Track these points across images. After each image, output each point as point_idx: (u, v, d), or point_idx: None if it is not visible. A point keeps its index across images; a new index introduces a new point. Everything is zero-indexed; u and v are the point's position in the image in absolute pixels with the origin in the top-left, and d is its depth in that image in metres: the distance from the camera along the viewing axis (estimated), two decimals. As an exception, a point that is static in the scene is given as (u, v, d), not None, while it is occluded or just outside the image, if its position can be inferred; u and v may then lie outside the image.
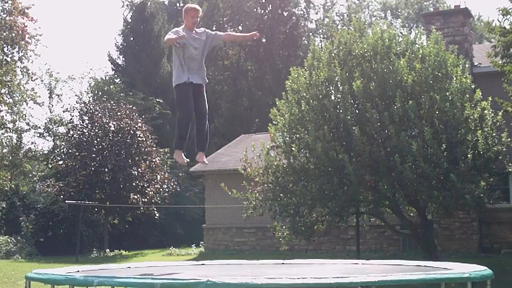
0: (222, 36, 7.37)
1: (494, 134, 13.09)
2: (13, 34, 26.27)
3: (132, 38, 35.76)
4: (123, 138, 23.26)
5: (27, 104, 30.70)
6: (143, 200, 23.39)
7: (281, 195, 13.49)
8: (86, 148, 23.12)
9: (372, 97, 12.82)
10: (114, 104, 24.55)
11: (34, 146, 32.86)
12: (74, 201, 21.58)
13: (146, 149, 23.70)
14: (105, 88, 32.70)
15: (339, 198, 12.65)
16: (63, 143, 26.10)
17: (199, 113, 6.97)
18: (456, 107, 12.72)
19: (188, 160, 7.20)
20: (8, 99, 28.53)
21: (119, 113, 23.86)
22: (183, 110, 6.87)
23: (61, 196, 22.87)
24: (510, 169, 14.98)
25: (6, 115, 29.04)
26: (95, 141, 23.17)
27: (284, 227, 14.12)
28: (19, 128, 31.21)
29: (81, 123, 24.48)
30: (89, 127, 23.96)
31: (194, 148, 7.19)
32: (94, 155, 22.92)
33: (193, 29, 6.98)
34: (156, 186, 23.80)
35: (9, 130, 30.41)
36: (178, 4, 45.74)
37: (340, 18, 47.42)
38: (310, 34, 43.84)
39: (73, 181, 23.08)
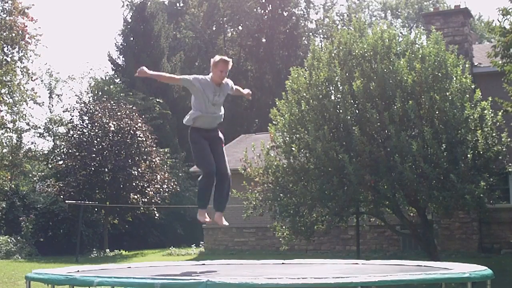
0: (234, 90, 6.74)
1: (494, 134, 13.09)
2: (13, 34, 26.27)
3: (132, 38, 35.77)
4: (123, 138, 23.26)
5: (27, 104, 30.74)
6: (143, 200, 23.39)
7: (281, 195, 13.49)
8: (86, 148, 23.12)
9: (372, 97, 12.82)
10: (114, 104, 24.55)
11: (34, 146, 32.91)
12: (74, 201, 21.57)
13: (146, 149, 23.71)
14: (105, 88, 32.71)
15: (339, 198, 12.65)
16: (63, 143, 26.10)
17: (221, 173, 6.42)
18: (456, 107, 12.72)
19: (210, 220, 6.64)
20: (8, 99, 28.53)
21: (119, 113, 23.86)
22: (203, 165, 6.36)
23: (61, 196, 22.87)
24: (510, 169, 14.99)
25: (6, 115, 29.06)
26: (95, 141, 23.17)
27: (284, 227, 14.12)
28: (19, 128, 31.23)
29: (81, 123, 24.48)
30: (89, 127, 23.97)
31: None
32: (94, 155, 22.92)
33: (219, 84, 6.29)
34: (156, 186, 23.80)
35: (9, 130, 30.43)
36: (178, 4, 45.80)
37: (340, 18, 47.45)
38: (310, 34, 43.87)
39: (73, 181, 23.08)
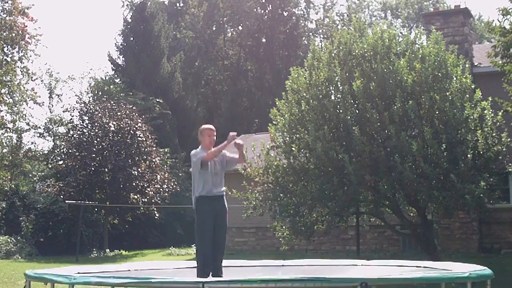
0: (235, 160, 7.48)
1: (494, 134, 13.08)
2: (13, 34, 26.27)
3: (132, 38, 35.76)
4: (123, 138, 23.25)
5: (27, 104, 30.74)
6: (143, 200, 23.39)
7: (281, 195, 13.49)
8: (86, 148, 23.12)
9: (372, 97, 12.81)
10: (114, 104, 24.55)
11: (34, 146, 32.91)
12: (74, 201, 21.57)
13: (146, 149, 23.70)
14: (105, 88, 32.70)
15: (339, 198, 12.65)
16: (63, 143, 26.09)
17: (218, 248, 7.06)
18: (456, 107, 12.71)
19: None
20: (8, 99, 28.54)
21: (119, 113, 23.85)
22: (201, 243, 7.02)
23: (61, 196, 22.87)
24: (510, 169, 14.98)
25: (6, 115, 29.07)
26: (95, 141, 23.17)
27: (284, 227, 14.11)
28: (19, 128, 31.23)
29: (81, 123, 24.48)
30: (89, 127, 23.96)
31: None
32: (94, 155, 22.92)
33: (210, 148, 7.26)
34: (156, 186, 23.80)
35: (9, 130, 30.42)
36: (178, 4, 45.78)
37: (340, 18, 47.44)
38: (310, 34, 43.86)
39: (73, 181, 23.07)
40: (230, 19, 43.00)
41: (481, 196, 12.31)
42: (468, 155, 12.31)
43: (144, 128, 24.05)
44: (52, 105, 35.77)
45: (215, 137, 7.30)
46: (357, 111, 13.12)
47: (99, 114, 23.75)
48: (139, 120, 24.23)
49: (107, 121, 23.42)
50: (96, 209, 23.94)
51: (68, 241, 23.51)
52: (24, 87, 29.24)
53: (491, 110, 13.21)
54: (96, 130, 23.42)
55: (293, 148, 13.28)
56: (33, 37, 27.35)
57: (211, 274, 6.92)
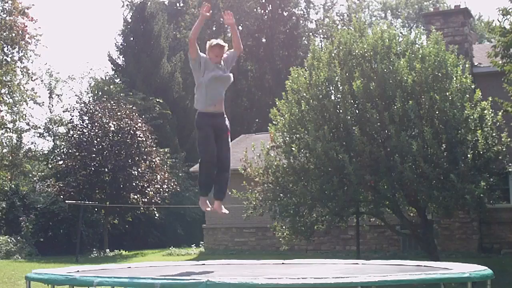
0: (235, 52, 6.58)
1: (494, 134, 13.10)
2: (13, 34, 26.29)
3: (132, 38, 35.76)
4: (123, 138, 23.25)
5: (27, 104, 30.77)
6: (143, 200, 23.39)
7: (281, 195, 13.49)
8: (86, 148, 23.11)
9: (372, 97, 12.82)
10: (114, 104, 24.54)
11: (34, 146, 32.95)
12: (74, 201, 21.57)
13: (146, 149, 23.70)
14: (105, 88, 32.70)
15: (339, 198, 12.65)
16: (63, 143, 26.10)
17: (221, 163, 6.44)
18: (456, 107, 12.72)
19: (212, 208, 6.66)
20: (8, 99, 28.56)
21: (119, 113, 23.85)
22: (204, 152, 6.35)
23: (61, 196, 22.86)
24: (510, 169, 15.00)
25: (6, 115, 29.08)
26: (95, 141, 23.17)
27: (284, 227, 14.12)
28: (19, 128, 31.24)
29: (81, 123, 24.46)
30: (89, 127, 23.95)
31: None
32: (94, 155, 22.92)
33: (214, 60, 6.33)
34: (156, 186, 23.79)
35: (9, 130, 30.44)
36: (178, 4, 45.78)
37: (340, 18, 47.40)
38: (310, 34, 43.83)
39: (73, 181, 23.08)
40: (230, 19, 42.97)
41: (481, 196, 12.33)
42: (468, 155, 12.32)
43: (144, 128, 24.04)
44: (52, 105, 35.85)
45: (222, 57, 6.30)
46: (357, 111, 13.12)
47: (99, 114, 23.74)
48: (139, 120, 24.23)
49: (107, 121, 23.42)
50: (96, 209, 23.93)
51: (68, 241, 23.51)
52: (24, 87, 29.28)
53: (491, 110, 13.21)
54: (96, 130, 23.41)
55: (293, 148, 13.28)
56: (33, 37, 27.38)
57: (213, 194, 6.53)
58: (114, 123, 23.32)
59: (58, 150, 27.81)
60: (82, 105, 25.36)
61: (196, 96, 6.52)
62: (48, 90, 35.78)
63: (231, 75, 6.52)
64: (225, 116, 6.59)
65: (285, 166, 13.48)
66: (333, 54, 13.89)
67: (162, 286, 4.83)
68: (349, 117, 12.88)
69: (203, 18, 6.32)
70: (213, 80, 6.30)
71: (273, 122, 14.05)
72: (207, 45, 6.37)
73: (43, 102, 33.02)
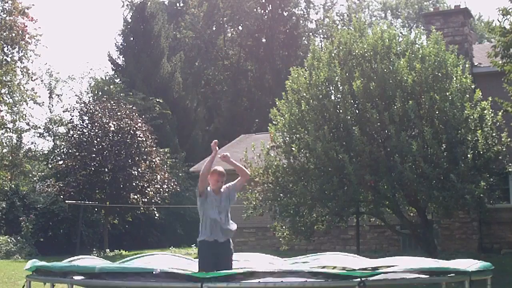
0: (238, 184, 6.81)
1: (494, 134, 13.09)
2: (13, 34, 26.29)
3: (132, 38, 35.77)
4: (123, 138, 23.24)
5: (27, 104, 30.79)
6: (143, 200, 23.38)
7: (281, 195, 13.49)
8: (86, 148, 23.10)
9: (372, 97, 12.81)
10: (114, 104, 24.53)
11: (34, 146, 32.94)
12: (74, 201, 21.56)
13: (146, 149, 23.69)
14: (105, 88, 32.70)
15: (339, 198, 12.65)
16: (63, 143, 26.08)
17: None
18: (456, 107, 12.71)
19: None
20: (8, 99, 28.56)
21: (119, 113, 23.84)
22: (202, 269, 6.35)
23: (61, 196, 22.86)
24: (510, 169, 14.97)
25: (6, 115, 29.08)
26: (95, 141, 23.15)
27: (284, 227, 14.11)
28: (19, 128, 31.23)
29: (81, 123, 24.45)
30: (89, 127, 23.94)
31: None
32: (94, 155, 22.90)
33: (217, 192, 6.63)
34: (156, 186, 23.79)
35: (9, 130, 30.44)
36: (178, 4, 45.79)
37: (340, 18, 47.42)
38: (310, 34, 43.85)
39: (73, 181, 23.06)
40: (230, 19, 43.00)
41: (481, 196, 12.32)
42: (468, 155, 12.31)
43: (144, 128, 24.03)
44: (52, 105, 35.87)
45: (223, 182, 6.66)
46: (357, 111, 13.12)
47: (99, 114, 23.73)
48: (139, 120, 24.23)
49: (107, 121, 23.41)
50: (96, 209, 23.92)
51: (68, 241, 23.51)
52: (24, 87, 29.28)
53: (491, 110, 13.21)
54: (96, 130, 23.40)
55: (293, 148, 13.28)
56: (33, 37, 27.38)
57: None
58: (114, 123, 23.30)
59: (58, 150, 27.79)
60: (82, 105, 25.34)
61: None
62: (48, 90, 35.81)
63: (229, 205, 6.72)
64: (230, 240, 6.72)
65: (285, 166, 13.48)
66: (333, 54, 13.89)
67: (162, 271, 4.89)
68: (349, 117, 12.87)
69: (215, 154, 6.64)
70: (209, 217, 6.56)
71: (273, 122, 14.04)
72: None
73: (43, 102, 33.06)
